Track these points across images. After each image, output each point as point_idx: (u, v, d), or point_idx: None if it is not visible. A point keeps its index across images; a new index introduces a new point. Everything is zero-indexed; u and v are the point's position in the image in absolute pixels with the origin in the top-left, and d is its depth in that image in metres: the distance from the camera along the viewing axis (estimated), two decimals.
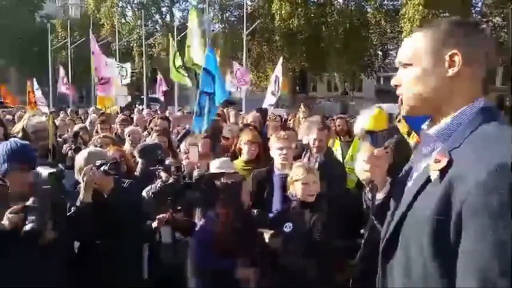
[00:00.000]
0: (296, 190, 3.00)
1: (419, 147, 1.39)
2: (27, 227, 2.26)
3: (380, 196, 1.37)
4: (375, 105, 1.39)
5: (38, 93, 15.19)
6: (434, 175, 1.14)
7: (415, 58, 1.24)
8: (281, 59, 8.71)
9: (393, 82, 1.31)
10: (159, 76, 17.31)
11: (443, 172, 1.11)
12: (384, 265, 1.30)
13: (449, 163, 1.11)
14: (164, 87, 16.51)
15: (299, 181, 2.98)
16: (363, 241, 1.40)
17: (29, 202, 2.31)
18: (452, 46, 1.19)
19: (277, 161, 3.52)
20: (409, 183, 1.28)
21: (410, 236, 1.19)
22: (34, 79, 14.82)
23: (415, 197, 1.19)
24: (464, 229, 1.04)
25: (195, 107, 5.45)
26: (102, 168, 2.72)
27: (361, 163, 1.34)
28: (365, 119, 1.34)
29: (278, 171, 3.51)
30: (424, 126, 1.31)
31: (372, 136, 1.33)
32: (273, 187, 3.46)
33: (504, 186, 0.99)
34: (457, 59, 1.18)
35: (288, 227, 2.92)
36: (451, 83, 1.20)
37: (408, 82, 1.25)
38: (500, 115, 1.22)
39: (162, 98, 18.15)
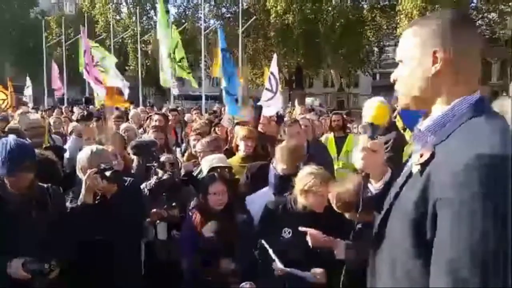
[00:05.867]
0: (308, 199, 2.73)
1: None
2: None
3: (377, 186, 1.39)
4: (376, 98, 1.44)
5: (29, 91, 15.07)
6: (416, 169, 1.15)
7: (404, 55, 1.28)
8: (275, 56, 8.60)
9: (391, 78, 1.34)
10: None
11: (424, 165, 1.12)
12: (373, 260, 1.30)
13: (431, 157, 1.12)
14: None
15: (313, 193, 2.70)
16: (352, 233, 1.44)
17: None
18: (436, 43, 1.20)
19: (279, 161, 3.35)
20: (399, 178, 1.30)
21: (394, 229, 1.19)
22: (27, 77, 14.74)
23: (399, 192, 1.21)
24: (438, 221, 1.03)
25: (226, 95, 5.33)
26: (105, 173, 2.68)
27: (357, 153, 1.38)
28: (370, 111, 1.39)
29: (279, 169, 3.39)
30: (419, 123, 1.32)
31: (373, 128, 1.38)
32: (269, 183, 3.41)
33: (478, 178, 0.97)
34: (440, 56, 1.19)
35: (287, 232, 2.75)
36: (436, 80, 1.20)
37: (401, 79, 1.28)
38: (492, 108, 1.21)
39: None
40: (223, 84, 5.25)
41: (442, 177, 1.04)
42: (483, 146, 1.01)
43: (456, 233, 0.98)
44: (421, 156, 1.14)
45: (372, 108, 1.39)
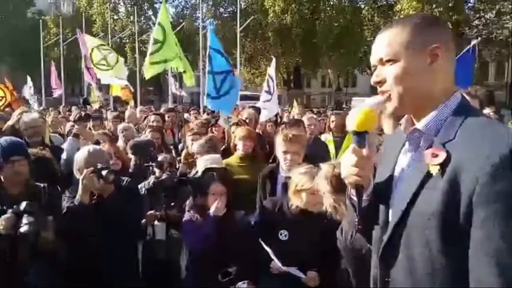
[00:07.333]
0: (301, 199, 2.68)
1: (389, 143, 1.37)
2: (22, 229, 2.30)
3: (365, 196, 1.30)
4: (367, 99, 1.33)
5: (30, 91, 15.03)
6: (435, 170, 1.12)
7: (398, 53, 1.21)
8: (274, 60, 8.71)
9: (375, 79, 1.27)
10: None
11: (443, 166, 1.11)
12: (383, 268, 1.26)
13: (448, 157, 1.11)
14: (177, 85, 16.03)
15: (304, 191, 2.64)
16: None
17: (23, 206, 2.34)
18: (433, 40, 1.19)
19: (282, 164, 3.29)
20: (400, 183, 1.25)
21: (414, 234, 1.16)
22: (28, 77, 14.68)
23: (415, 195, 1.16)
24: (476, 219, 1.04)
25: (206, 90, 5.41)
26: (101, 173, 2.69)
27: (348, 166, 1.26)
28: (352, 120, 1.26)
29: (283, 173, 3.26)
30: (401, 122, 1.30)
31: (359, 137, 1.26)
32: (276, 187, 3.31)
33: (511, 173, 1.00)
34: (439, 52, 1.19)
35: (283, 235, 2.72)
36: (433, 77, 1.20)
37: (396, 79, 1.21)
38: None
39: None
40: (208, 84, 5.23)
41: (472, 176, 1.04)
42: (505, 143, 1.04)
43: (499, 226, 1.00)
44: (434, 156, 1.13)
45: (354, 115, 1.26)
